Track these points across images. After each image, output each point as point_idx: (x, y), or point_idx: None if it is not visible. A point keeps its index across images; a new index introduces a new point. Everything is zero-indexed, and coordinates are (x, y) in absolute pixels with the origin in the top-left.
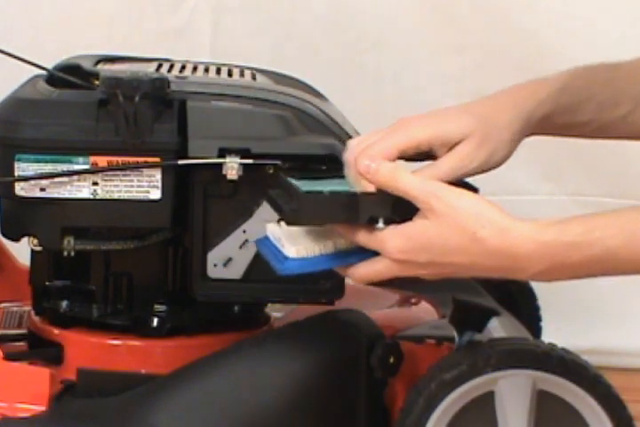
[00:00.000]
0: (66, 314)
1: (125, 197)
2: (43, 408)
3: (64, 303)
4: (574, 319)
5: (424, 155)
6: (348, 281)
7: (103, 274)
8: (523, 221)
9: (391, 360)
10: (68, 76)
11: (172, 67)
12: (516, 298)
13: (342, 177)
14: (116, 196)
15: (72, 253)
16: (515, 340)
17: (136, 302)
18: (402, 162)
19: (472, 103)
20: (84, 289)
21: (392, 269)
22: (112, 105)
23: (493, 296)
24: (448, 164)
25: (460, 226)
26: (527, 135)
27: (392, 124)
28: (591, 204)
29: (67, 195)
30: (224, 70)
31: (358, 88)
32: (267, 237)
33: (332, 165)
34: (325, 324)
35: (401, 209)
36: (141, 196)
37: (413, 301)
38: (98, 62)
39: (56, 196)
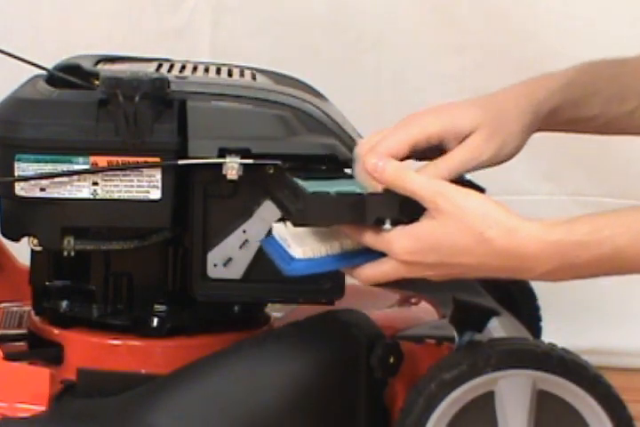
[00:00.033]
0: (66, 314)
1: (125, 197)
2: (43, 408)
3: (64, 303)
4: (574, 319)
5: (432, 151)
6: (347, 281)
7: (103, 274)
8: (530, 220)
9: (391, 360)
10: (68, 76)
11: (171, 67)
12: (516, 298)
13: (348, 178)
14: (116, 196)
15: (72, 253)
16: (515, 340)
17: (136, 302)
18: (409, 161)
19: (481, 97)
20: (84, 289)
21: (399, 270)
22: (112, 105)
23: (493, 296)
24: (458, 156)
25: (467, 226)
26: (535, 130)
27: (402, 119)
28: (591, 204)
29: (67, 195)
30: (224, 70)
31: (358, 88)
32: (273, 237)
33: (331, 165)
34: (325, 324)
35: (408, 210)
36: (141, 196)
37: (413, 301)
38: (98, 62)
39: (56, 196)
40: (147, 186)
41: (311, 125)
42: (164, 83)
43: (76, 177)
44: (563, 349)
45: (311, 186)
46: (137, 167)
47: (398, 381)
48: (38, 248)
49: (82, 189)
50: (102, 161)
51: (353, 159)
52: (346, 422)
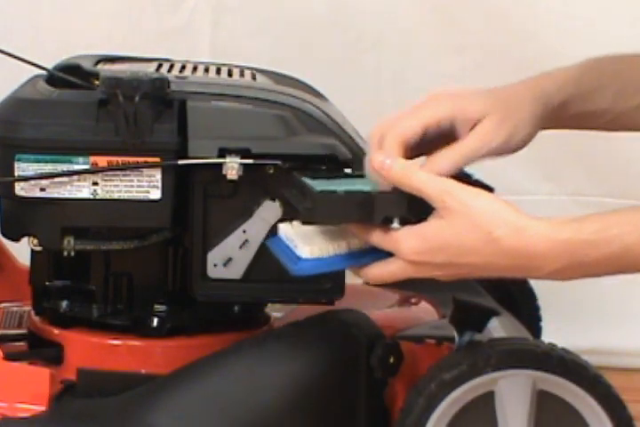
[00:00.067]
0: (66, 314)
1: (125, 197)
2: (43, 408)
3: (64, 303)
4: (574, 319)
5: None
6: (347, 281)
7: (103, 274)
8: (538, 219)
9: (391, 360)
10: (68, 76)
11: (171, 67)
12: (516, 298)
13: (356, 177)
14: (116, 196)
15: (72, 253)
16: (515, 340)
17: (136, 302)
18: (418, 159)
19: (493, 88)
20: (84, 289)
21: (406, 270)
22: (112, 105)
23: (493, 296)
24: (469, 144)
25: (476, 225)
26: (546, 124)
27: (419, 101)
28: (591, 204)
29: (67, 195)
30: (224, 70)
31: (358, 88)
32: (279, 238)
33: (331, 164)
34: (325, 324)
35: (416, 209)
36: (141, 196)
37: (413, 301)
38: (98, 62)
39: (56, 196)
40: (147, 186)
41: (311, 125)
42: (163, 83)
43: (75, 177)
44: (563, 349)
45: (319, 185)
46: (137, 167)
47: (398, 381)
48: (38, 248)
49: (82, 189)
50: (102, 161)
51: (366, 142)
52: (346, 422)
